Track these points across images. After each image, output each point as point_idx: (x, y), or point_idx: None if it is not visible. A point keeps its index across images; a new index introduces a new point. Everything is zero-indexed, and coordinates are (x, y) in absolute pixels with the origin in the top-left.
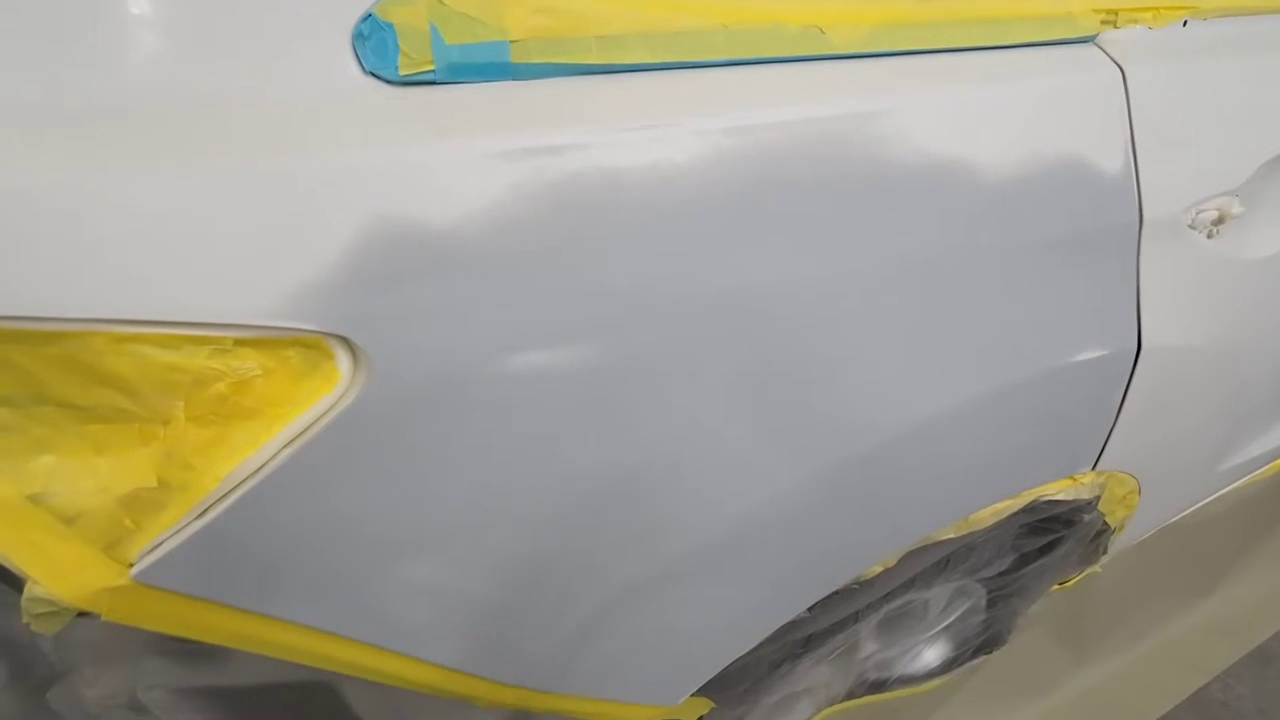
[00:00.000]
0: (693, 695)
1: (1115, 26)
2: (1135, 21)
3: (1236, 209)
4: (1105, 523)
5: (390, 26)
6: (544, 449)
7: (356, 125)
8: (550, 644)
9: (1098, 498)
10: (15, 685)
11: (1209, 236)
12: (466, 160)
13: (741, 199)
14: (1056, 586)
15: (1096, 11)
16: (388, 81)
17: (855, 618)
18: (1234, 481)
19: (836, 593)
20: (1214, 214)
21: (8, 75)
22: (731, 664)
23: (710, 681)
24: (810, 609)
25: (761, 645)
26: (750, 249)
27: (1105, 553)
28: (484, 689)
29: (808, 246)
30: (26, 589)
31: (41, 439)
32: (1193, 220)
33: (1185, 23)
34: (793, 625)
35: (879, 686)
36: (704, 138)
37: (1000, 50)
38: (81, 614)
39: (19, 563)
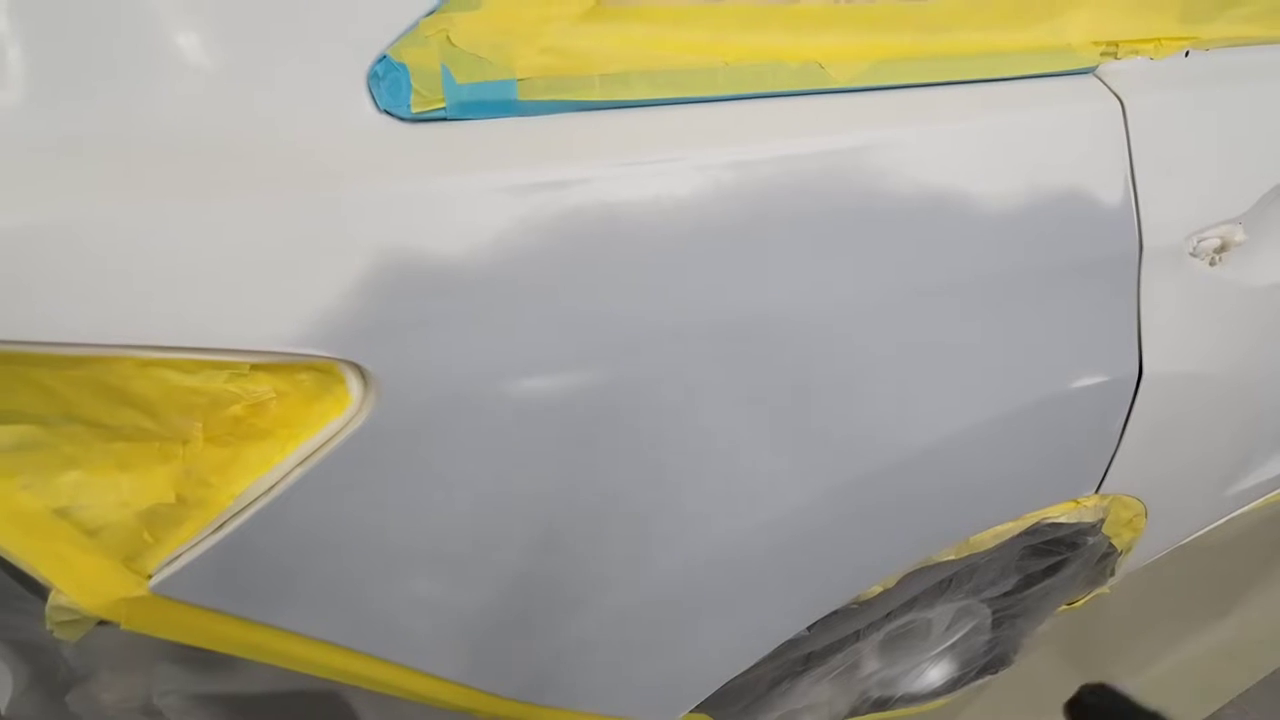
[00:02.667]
0: (691, 711)
1: (1116, 58)
2: (1136, 53)
3: (1239, 237)
4: (1111, 545)
5: (403, 67)
6: (547, 471)
7: (370, 161)
8: (550, 659)
9: (1102, 520)
10: (37, 688)
11: (1211, 264)
12: (475, 194)
13: (743, 231)
14: (1065, 607)
15: (1096, 43)
16: (401, 119)
17: (856, 637)
18: (1244, 506)
19: (835, 612)
20: (1216, 242)
21: (41, 112)
22: (730, 681)
23: (709, 698)
24: (809, 628)
25: (760, 663)
26: (751, 280)
27: (1113, 574)
28: (484, 701)
29: (807, 278)
30: (51, 597)
31: (70, 456)
32: (1194, 248)
33: (1187, 53)
34: (792, 644)
35: (883, 705)
36: (705, 172)
37: (999, 83)
38: (102, 622)
39: (44, 572)
